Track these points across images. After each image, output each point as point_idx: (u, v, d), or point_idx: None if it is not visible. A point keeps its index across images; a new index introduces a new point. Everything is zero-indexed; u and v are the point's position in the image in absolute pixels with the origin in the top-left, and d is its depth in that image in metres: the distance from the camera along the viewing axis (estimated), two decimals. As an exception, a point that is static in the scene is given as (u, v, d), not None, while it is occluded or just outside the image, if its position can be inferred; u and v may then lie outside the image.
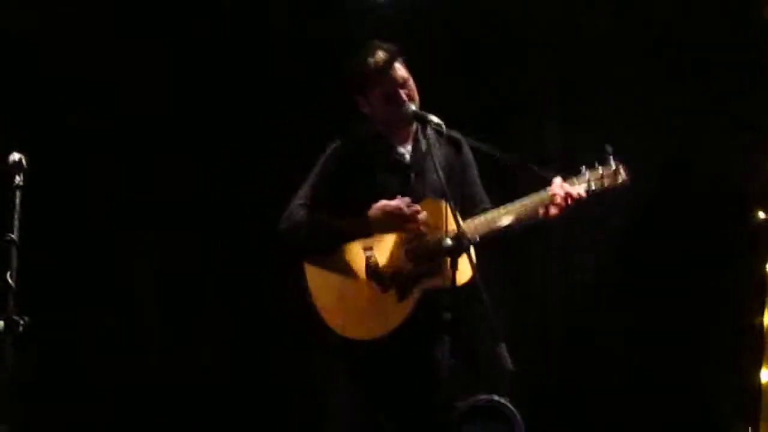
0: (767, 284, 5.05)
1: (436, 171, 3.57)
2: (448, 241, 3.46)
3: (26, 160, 3.73)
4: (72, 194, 5.15)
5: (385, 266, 3.73)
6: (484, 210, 3.82)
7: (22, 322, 3.64)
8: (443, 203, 3.63)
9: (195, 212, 5.28)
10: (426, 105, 3.74)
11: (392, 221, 3.70)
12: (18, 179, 3.73)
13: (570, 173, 3.73)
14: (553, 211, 3.69)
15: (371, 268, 3.73)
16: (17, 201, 3.70)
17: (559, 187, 3.70)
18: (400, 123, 3.82)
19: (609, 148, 3.72)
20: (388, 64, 3.77)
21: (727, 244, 5.13)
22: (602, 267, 5.38)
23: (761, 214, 5.05)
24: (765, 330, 5.07)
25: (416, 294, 3.70)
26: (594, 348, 5.35)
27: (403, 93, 3.76)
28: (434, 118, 3.63)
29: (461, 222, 3.46)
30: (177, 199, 5.25)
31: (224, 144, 5.31)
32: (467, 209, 3.79)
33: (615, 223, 5.32)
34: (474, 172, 3.95)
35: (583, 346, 5.36)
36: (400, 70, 3.79)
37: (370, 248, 3.74)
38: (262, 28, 5.32)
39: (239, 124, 5.33)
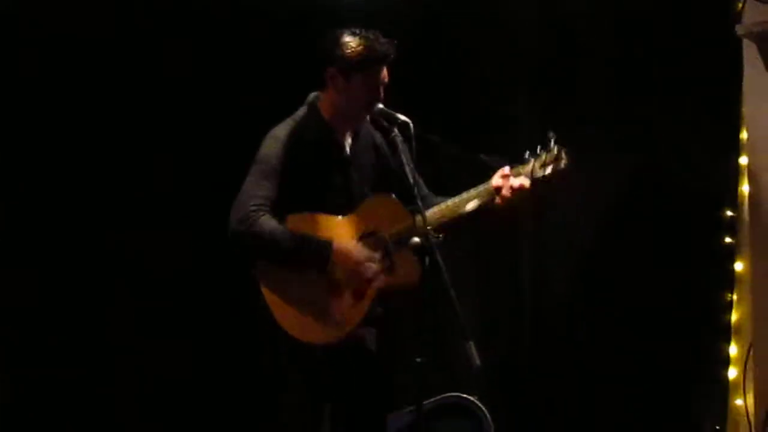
0: (735, 282, 5.11)
1: (404, 174, 3.58)
2: (416, 239, 3.46)
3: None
4: (68, 194, 5.12)
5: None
6: (429, 198, 3.87)
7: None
8: (392, 198, 3.74)
9: (190, 211, 5.23)
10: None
11: (351, 268, 3.69)
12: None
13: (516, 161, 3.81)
14: (498, 201, 3.75)
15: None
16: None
17: (501, 177, 3.76)
18: (361, 116, 3.83)
19: (550, 133, 3.79)
20: (390, 57, 3.77)
21: (695, 243, 5.15)
22: (573, 266, 5.39)
23: (728, 213, 5.10)
24: (733, 327, 5.13)
25: (371, 294, 3.71)
26: (564, 347, 5.36)
27: (382, 90, 3.78)
28: (402, 117, 3.65)
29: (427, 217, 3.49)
30: (171, 198, 5.22)
31: (223, 144, 5.28)
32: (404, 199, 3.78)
33: (586, 223, 5.33)
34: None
35: (553, 344, 5.37)
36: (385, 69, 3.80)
37: None
38: (262, 29, 5.30)
39: (238, 123, 5.30)
